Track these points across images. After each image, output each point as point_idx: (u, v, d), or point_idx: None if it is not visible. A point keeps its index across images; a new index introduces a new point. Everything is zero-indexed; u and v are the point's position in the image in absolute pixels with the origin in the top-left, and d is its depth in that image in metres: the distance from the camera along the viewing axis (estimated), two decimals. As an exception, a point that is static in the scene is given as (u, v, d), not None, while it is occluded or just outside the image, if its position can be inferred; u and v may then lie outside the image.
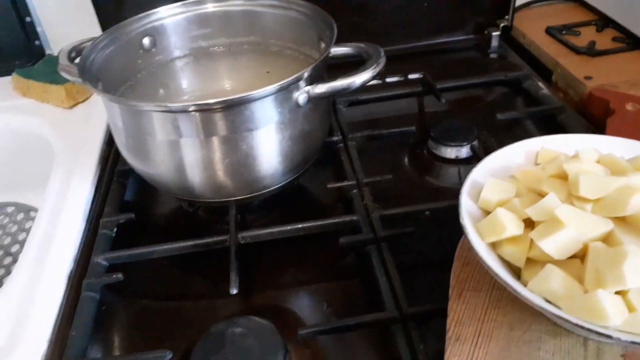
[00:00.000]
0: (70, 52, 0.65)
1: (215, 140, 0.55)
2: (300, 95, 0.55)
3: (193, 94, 0.72)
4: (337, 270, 0.58)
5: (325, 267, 0.59)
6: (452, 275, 0.47)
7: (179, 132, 0.54)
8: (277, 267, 0.59)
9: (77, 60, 0.63)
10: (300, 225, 0.60)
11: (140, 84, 0.71)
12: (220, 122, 0.54)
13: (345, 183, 0.65)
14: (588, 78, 0.80)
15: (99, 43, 0.65)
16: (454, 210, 0.44)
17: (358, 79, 0.56)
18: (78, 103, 0.88)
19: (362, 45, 0.60)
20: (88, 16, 0.86)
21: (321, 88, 0.55)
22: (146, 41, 0.71)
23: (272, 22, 0.72)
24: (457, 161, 0.73)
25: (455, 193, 0.46)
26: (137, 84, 0.70)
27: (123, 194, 0.71)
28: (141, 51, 0.71)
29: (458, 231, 0.44)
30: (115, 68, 0.66)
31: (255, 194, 0.61)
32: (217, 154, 0.56)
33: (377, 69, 0.56)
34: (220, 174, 0.57)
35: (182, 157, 0.57)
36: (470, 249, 0.42)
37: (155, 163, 0.59)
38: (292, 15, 0.69)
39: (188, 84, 0.73)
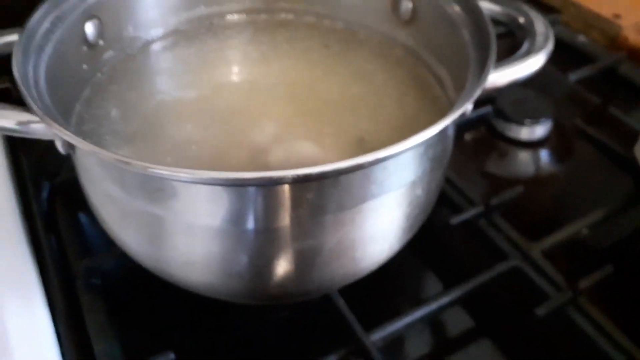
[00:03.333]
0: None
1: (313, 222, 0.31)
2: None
3: (207, 128, 0.41)
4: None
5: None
6: None
7: (265, 213, 0.30)
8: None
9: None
10: (446, 299, 0.39)
11: (94, 106, 0.40)
12: (324, 195, 0.30)
13: (469, 212, 0.44)
14: (617, 16, 0.69)
15: (28, 43, 0.34)
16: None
17: (524, 70, 0.35)
18: None
19: (515, 6, 0.38)
20: None
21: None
22: (89, 28, 0.40)
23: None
24: (528, 144, 0.57)
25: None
26: (91, 107, 0.40)
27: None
28: (84, 48, 0.40)
29: None
30: (57, 84, 0.36)
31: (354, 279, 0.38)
32: (319, 240, 0.32)
33: (549, 49, 0.36)
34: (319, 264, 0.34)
35: (263, 249, 0.32)
36: None
37: (204, 258, 0.33)
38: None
39: (184, 95, 0.43)
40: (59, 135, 0.29)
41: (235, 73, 0.45)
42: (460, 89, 0.36)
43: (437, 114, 0.40)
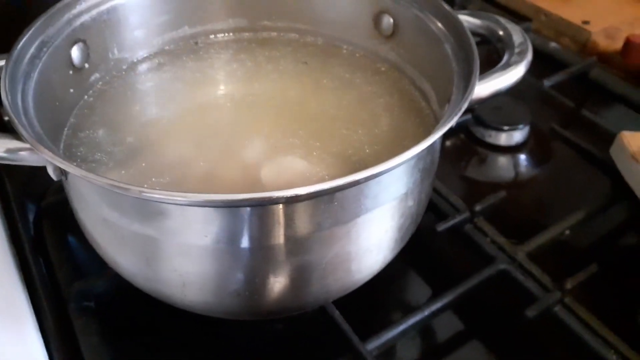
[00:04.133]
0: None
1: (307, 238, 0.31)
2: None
3: (199, 145, 0.42)
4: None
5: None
6: None
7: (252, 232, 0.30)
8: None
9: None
10: (437, 305, 0.40)
11: (83, 130, 0.40)
12: (319, 211, 0.31)
13: (455, 218, 0.45)
14: (586, 22, 0.71)
15: (15, 70, 0.34)
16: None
17: (506, 81, 0.36)
18: None
19: (493, 18, 0.39)
20: None
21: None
22: (75, 52, 0.40)
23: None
24: (507, 149, 0.58)
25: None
26: (79, 131, 0.40)
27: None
28: (70, 72, 0.40)
29: None
30: (46, 109, 0.36)
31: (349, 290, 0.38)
32: (315, 256, 0.33)
33: (528, 59, 0.37)
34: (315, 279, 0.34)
35: (260, 266, 0.32)
36: None
37: (200, 276, 0.33)
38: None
39: (172, 115, 0.43)
40: (51, 162, 0.29)
41: (222, 91, 0.45)
42: (444, 102, 0.37)
43: (422, 126, 0.41)
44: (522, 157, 0.58)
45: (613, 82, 0.62)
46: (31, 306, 0.40)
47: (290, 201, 0.29)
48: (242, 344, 0.41)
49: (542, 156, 0.58)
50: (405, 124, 0.41)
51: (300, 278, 0.34)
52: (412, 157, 0.28)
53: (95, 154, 0.38)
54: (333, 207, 0.30)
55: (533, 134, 0.59)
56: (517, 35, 0.38)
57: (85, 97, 0.42)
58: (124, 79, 0.44)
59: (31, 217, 0.48)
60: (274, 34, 0.50)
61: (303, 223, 0.31)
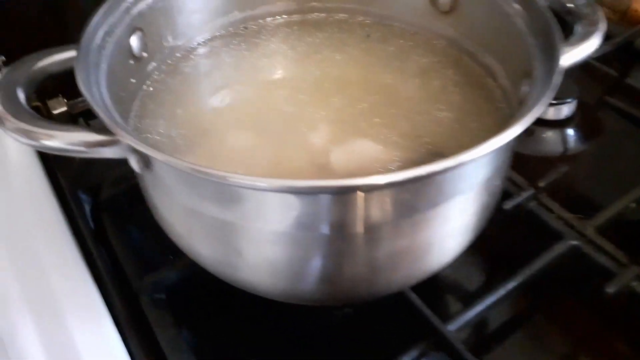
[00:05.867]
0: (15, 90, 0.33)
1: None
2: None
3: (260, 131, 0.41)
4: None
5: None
6: None
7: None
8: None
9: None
10: (512, 284, 0.39)
11: (146, 118, 0.40)
12: (400, 199, 0.30)
13: (520, 196, 0.45)
14: (626, -10, 0.70)
15: (86, 61, 0.33)
16: None
17: (585, 51, 0.35)
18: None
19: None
20: None
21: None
22: (134, 41, 0.40)
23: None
24: (556, 123, 0.57)
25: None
26: (143, 119, 0.40)
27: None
28: (131, 61, 0.40)
29: None
30: (115, 99, 0.35)
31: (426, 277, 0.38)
32: (395, 243, 0.32)
33: (602, 29, 0.37)
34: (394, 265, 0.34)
35: (338, 254, 0.32)
36: None
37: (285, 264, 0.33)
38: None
39: (232, 100, 0.43)
40: (144, 152, 0.29)
41: (279, 75, 0.44)
42: (517, 77, 0.36)
43: (489, 102, 0.41)
44: (571, 130, 0.57)
45: (659, 50, 0.61)
46: (103, 300, 0.40)
47: (377, 188, 0.28)
48: (315, 329, 0.41)
49: (592, 129, 0.57)
50: (472, 100, 0.41)
51: (379, 265, 0.33)
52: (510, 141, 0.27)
53: (159, 144, 0.38)
54: (414, 195, 0.29)
55: (580, 107, 0.58)
56: (587, 6, 0.37)
57: (144, 86, 0.41)
58: (179, 66, 0.44)
59: (88, 209, 0.48)
60: (323, 14, 0.49)
61: (383, 210, 0.30)
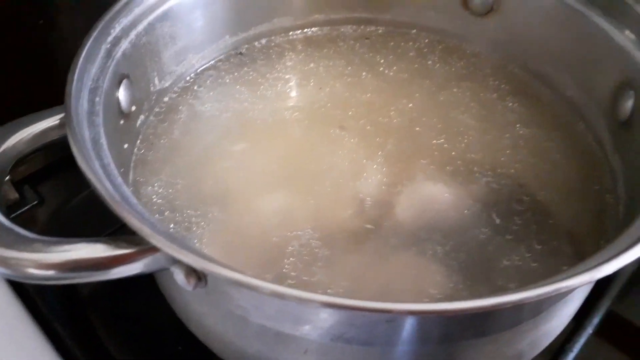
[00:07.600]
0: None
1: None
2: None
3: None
4: None
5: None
6: None
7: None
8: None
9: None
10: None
11: (143, 186, 0.30)
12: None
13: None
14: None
15: (82, 138, 0.24)
16: None
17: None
18: None
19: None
20: None
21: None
22: (122, 94, 0.30)
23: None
24: None
25: None
26: (140, 188, 0.30)
27: None
28: (121, 122, 0.30)
29: None
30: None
31: None
32: None
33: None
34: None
35: None
36: None
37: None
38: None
39: (248, 146, 0.33)
40: (204, 269, 0.20)
41: (292, 108, 0.35)
42: (592, 86, 0.31)
43: (553, 116, 0.35)
44: None
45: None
46: None
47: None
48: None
49: None
50: (532, 119, 0.35)
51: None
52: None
53: (166, 222, 0.29)
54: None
55: None
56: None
57: (135, 150, 0.32)
58: (171, 116, 0.34)
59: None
60: (327, 29, 0.41)
61: (450, 332, 0.23)
